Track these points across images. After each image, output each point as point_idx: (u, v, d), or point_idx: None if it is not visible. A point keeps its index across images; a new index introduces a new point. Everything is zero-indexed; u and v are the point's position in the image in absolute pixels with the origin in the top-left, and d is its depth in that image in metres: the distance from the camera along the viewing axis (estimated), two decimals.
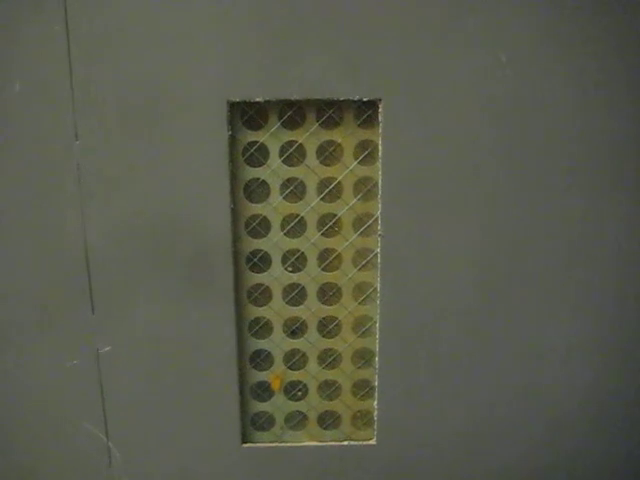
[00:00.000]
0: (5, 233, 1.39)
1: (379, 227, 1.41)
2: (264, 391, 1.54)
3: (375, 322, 1.48)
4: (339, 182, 1.42)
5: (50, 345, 1.45)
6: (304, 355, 1.52)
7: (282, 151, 1.40)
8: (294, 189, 1.42)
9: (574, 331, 1.47)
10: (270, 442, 1.56)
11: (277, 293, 1.48)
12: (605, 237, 1.42)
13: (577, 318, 1.47)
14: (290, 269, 1.47)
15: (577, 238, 1.42)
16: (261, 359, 1.52)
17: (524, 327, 1.47)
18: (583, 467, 1.57)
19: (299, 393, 1.55)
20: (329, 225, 1.44)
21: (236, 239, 1.42)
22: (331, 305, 1.49)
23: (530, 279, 1.44)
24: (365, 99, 1.34)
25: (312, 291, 1.48)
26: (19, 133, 1.34)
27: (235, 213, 1.41)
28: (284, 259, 1.46)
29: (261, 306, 1.48)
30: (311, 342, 1.51)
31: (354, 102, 1.36)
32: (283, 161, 1.41)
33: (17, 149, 1.35)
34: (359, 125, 1.39)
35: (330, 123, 1.39)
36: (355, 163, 1.41)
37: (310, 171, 1.41)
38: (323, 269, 1.47)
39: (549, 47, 1.32)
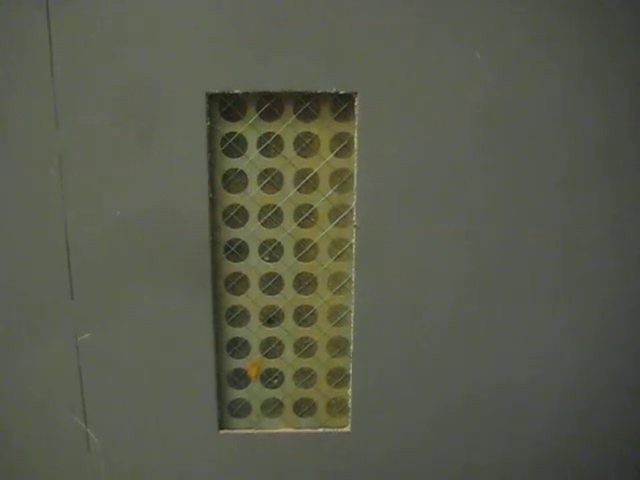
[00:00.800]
0: None
1: (354, 218, 1.44)
2: (241, 378, 1.57)
3: (350, 311, 1.50)
4: (315, 173, 1.45)
5: (29, 331, 1.47)
6: (280, 343, 1.55)
7: (260, 142, 1.43)
8: (271, 180, 1.45)
9: (556, 326, 1.51)
10: (246, 429, 1.58)
11: (254, 282, 1.50)
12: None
13: (562, 312, 1.50)
14: (267, 258, 1.49)
15: (565, 233, 1.45)
16: (238, 347, 1.55)
17: (500, 318, 1.50)
18: (570, 464, 1.61)
19: (275, 381, 1.57)
20: (305, 216, 1.47)
21: (214, 228, 1.44)
22: (307, 294, 1.52)
23: (508, 271, 1.47)
24: (341, 92, 1.36)
25: (288, 280, 1.50)
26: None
27: (213, 203, 1.43)
28: (261, 249, 1.48)
29: (238, 294, 1.51)
30: (287, 330, 1.53)
31: (331, 95, 1.39)
32: (261, 152, 1.43)
33: None
34: (335, 118, 1.41)
35: (307, 115, 1.41)
36: (331, 155, 1.44)
37: (287, 162, 1.44)
38: (299, 259, 1.49)
39: (536, 41, 1.34)
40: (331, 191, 1.45)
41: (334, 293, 1.52)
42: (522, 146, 1.40)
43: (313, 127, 1.42)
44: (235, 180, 1.45)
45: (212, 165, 1.41)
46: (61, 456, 1.56)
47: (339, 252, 1.49)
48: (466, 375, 1.53)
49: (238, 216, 1.46)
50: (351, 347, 1.52)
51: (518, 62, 1.35)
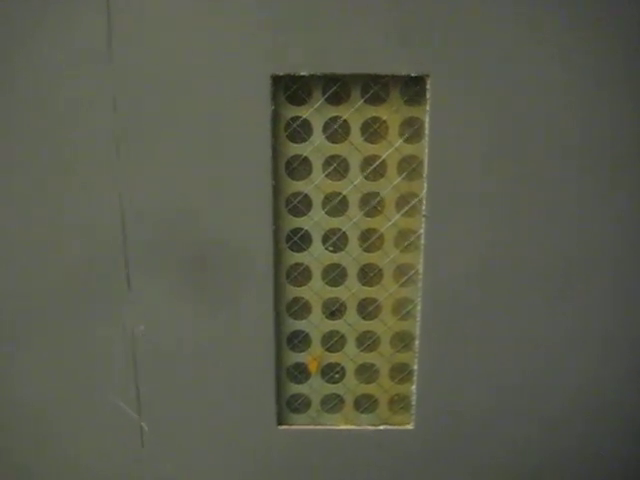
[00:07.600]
0: (39, 196, 1.37)
1: (423, 208, 1.38)
2: (301, 373, 1.52)
3: (416, 305, 1.45)
4: (383, 160, 1.38)
5: (84, 319, 1.44)
6: (342, 337, 1.49)
7: (325, 127, 1.37)
8: (337, 167, 1.39)
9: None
10: (306, 424, 1.54)
11: (317, 273, 1.45)
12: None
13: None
14: (331, 249, 1.44)
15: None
16: (299, 340, 1.50)
17: (568, 315, 1.43)
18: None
19: (336, 375, 1.52)
20: (372, 204, 1.41)
21: (276, 217, 1.39)
22: (371, 286, 1.46)
23: (581, 270, 1.40)
24: (412, 75, 1.30)
25: (352, 272, 1.45)
26: (57, 100, 1.32)
27: (276, 190, 1.38)
28: (325, 238, 1.43)
29: (300, 286, 1.46)
30: (350, 324, 1.48)
31: (401, 78, 1.32)
32: (326, 137, 1.37)
33: (55, 114, 1.33)
34: (405, 102, 1.35)
35: (375, 99, 1.35)
36: (400, 141, 1.37)
37: (353, 148, 1.38)
38: (364, 249, 1.44)
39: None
40: (399, 179, 1.39)
41: (400, 285, 1.46)
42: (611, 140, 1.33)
43: (381, 111, 1.36)
44: (299, 167, 1.39)
45: (275, 151, 1.36)
46: (114, 452, 1.52)
47: (406, 243, 1.43)
48: (535, 371, 1.47)
49: (302, 204, 1.41)
50: (416, 342, 1.46)
51: (604, 46, 1.28)
